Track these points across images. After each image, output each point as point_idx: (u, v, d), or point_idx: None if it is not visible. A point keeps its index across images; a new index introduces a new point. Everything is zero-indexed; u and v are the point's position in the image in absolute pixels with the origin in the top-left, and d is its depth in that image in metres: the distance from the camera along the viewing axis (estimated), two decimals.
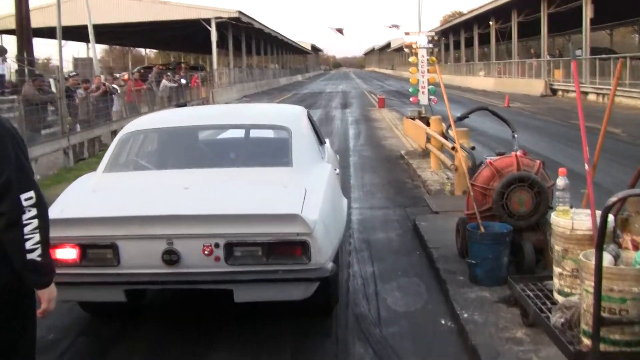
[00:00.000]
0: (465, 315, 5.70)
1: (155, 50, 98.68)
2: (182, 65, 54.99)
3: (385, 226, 9.43)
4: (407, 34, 16.93)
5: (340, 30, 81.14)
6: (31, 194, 3.30)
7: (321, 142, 8.55)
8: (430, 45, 16.34)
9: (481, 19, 57.61)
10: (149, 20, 49.66)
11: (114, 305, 5.85)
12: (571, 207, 5.14)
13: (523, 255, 6.40)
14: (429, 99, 16.76)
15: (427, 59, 16.48)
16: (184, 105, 33.68)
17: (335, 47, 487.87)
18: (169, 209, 5.39)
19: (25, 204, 3.28)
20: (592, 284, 3.95)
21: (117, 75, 37.27)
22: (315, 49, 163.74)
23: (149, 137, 7.20)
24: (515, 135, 7.75)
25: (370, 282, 7.09)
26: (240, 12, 50.43)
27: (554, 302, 4.84)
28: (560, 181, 5.06)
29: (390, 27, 21.95)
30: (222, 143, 7.43)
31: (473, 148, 11.14)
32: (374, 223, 9.63)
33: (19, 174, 3.28)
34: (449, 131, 8.90)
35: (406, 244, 8.44)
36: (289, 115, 7.70)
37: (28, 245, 3.30)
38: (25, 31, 25.54)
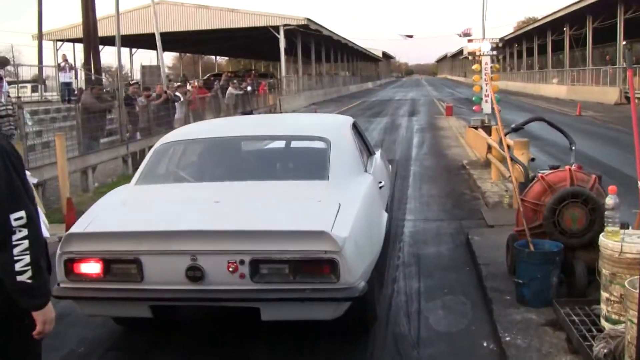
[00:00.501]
0: (508, 338, 5.37)
1: (226, 58, 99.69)
2: (251, 72, 55.40)
3: (437, 240, 9.11)
4: (470, 40, 16.52)
5: (410, 36, 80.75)
6: (22, 213, 3.15)
7: (370, 152, 8.31)
8: (494, 53, 15.88)
9: (555, 25, 56.49)
10: (217, 27, 50.17)
11: (146, 319, 5.67)
12: (627, 226, 4.78)
13: (575, 276, 6.03)
14: (493, 108, 16.29)
15: (491, 67, 16.05)
16: (250, 113, 33.78)
17: (407, 55, 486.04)
18: (193, 224, 5.26)
19: (14, 224, 3.13)
20: (637, 314, 3.61)
21: (189, 81, 37.32)
22: (387, 56, 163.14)
23: (186, 149, 7.08)
24: (573, 148, 7.34)
25: (414, 299, 6.79)
26: (308, 19, 50.44)
27: (600, 329, 4.49)
28: (610, 200, 4.72)
29: (460, 34, 21.52)
30: (259, 155, 7.27)
31: (533, 160, 10.75)
32: (426, 236, 9.31)
33: (9, 193, 3.14)
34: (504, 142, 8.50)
35: (456, 260, 8.11)
36: (330, 126, 7.50)
37: (18, 267, 3.14)
38: (92, 39, 25.99)
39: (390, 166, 10.34)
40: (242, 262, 4.93)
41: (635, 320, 3.62)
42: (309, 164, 6.84)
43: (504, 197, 11.17)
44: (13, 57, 74.46)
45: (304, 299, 4.98)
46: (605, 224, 4.80)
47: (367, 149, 8.33)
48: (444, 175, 14.85)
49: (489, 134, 13.66)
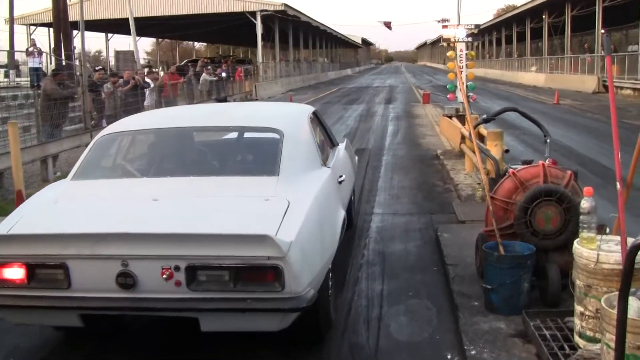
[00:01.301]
0: (473, 351, 4.88)
1: (204, 44, 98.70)
2: (230, 58, 54.63)
3: (405, 236, 8.61)
4: (444, 27, 15.93)
5: (388, 24, 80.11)
6: None
7: (332, 143, 7.83)
8: (469, 39, 15.38)
9: (534, 13, 56.12)
10: (194, 12, 49.30)
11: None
12: (604, 230, 4.31)
13: (548, 281, 5.56)
14: (468, 96, 15.80)
15: (466, 54, 15.54)
16: (224, 99, 33.19)
17: (387, 42, 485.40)
18: (123, 226, 4.76)
19: None
20: (614, 337, 3.12)
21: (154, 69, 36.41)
22: (367, 43, 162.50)
23: (129, 140, 6.51)
24: (548, 140, 6.87)
25: (375, 303, 6.29)
26: (286, 5, 49.73)
27: (574, 347, 4.02)
28: (585, 203, 4.23)
29: (439, 21, 20.91)
30: (207, 148, 6.68)
31: (507, 151, 10.29)
32: (394, 232, 8.81)
33: None
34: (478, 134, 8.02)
35: (424, 259, 7.62)
36: (285, 117, 6.93)
37: None
38: (62, 24, 25.28)
39: (356, 157, 9.84)
40: (177, 268, 4.45)
41: (613, 345, 3.14)
42: (258, 158, 6.34)
43: (476, 190, 10.69)
44: None
45: (246, 310, 4.52)
46: (580, 230, 4.31)
47: (329, 140, 7.85)
48: (417, 165, 14.35)
49: (463, 124, 13.15)
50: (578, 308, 4.11)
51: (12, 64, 35.96)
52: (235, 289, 4.47)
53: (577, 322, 4.14)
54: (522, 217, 5.69)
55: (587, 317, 4.02)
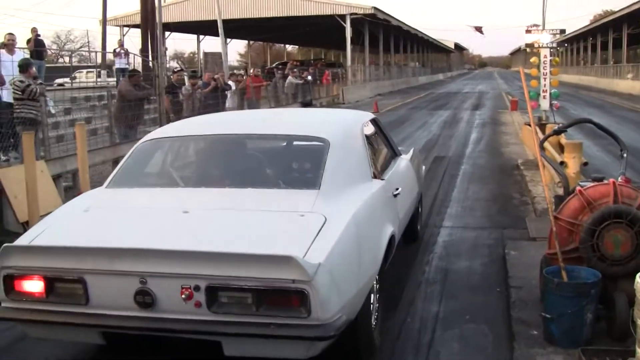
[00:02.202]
0: None
1: (296, 47, 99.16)
2: (319, 61, 54.61)
3: (472, 252, 8.13)
4: (528, 31, 15.29)
5: (479, 29, 78.84)
6: None
7: (395, 153, 7.43)
8: (554, 45, 14.69)
9: (632, 18, 54.17)
10: (284, 15, 49.45)
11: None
12: None
13: (615, 311, 5.04)
14: (551, 104, 15.14)
15: (550, 60, 14.86)
16: (310, 103, 33.17)
17: (481, 47, 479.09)
18: (143, 241, 4.52)
19: None
20: None
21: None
22: (459, 48, 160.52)
23: (169, 147, 6.25)
24: (624, 155, 6.32)
25: (428, 327, 5.86)
26: (375, 8, 49.36)
27: None
28: None
29: (529, 27, 20.20)
30: (247, 156, 6.32)
31: (585, 164, 9.67)
32: (461, 248, 8.34)
33: None
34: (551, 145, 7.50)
35: (488, 278, 7.14)
36: (335, 124, 6.51)
37: None
38: (150, 25, 25.58)
39: (423, 168, 9.39)
40: (197, 288, 4.22)
41: None
42: (300, 169, 5.97)
43: (550, 205, 10.06)
44: (88, 42, 75.85)
45: (268, 336, 4.19)
46: None
47: (391, 150, 7.44)
48: (496, 175, 13.78)
49: (545, 133, 12.53)
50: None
51: (104, 65, 36.79)
52: (258, 313, 4.20)
53: None
54: (588, 240, 5.18)
55: None
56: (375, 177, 5.98)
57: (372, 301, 5.09)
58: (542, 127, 13.90)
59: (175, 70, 18.79)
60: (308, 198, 5.00)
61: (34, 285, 4.52)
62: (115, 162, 13.64)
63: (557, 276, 5.13)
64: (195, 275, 4.20)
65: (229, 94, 22.10)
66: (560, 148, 11.37)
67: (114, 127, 14.26)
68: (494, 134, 21.86)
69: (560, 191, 8.79)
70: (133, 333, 4.67)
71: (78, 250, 4.48)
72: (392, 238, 5.68)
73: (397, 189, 6.39)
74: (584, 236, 5.20)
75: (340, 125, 6.44)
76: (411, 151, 8.40)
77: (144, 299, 4.28)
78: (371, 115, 7.38)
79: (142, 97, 15.15)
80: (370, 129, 6.86)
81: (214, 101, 19.92)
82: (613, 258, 5.16)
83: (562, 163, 9.07)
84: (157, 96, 16.30)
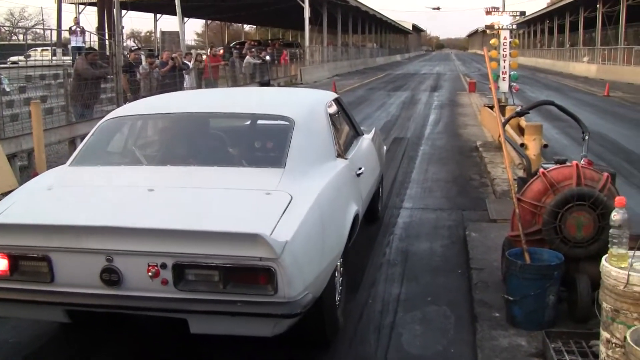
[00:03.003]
0: None
1: (254, 27, 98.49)
2: (277, 42, 54.26)
3: (432, 234, 8.11)
4: (488, 13, 15.30)
5: (437, 8, 79.19)
6: None
7: (357, 133, 7.40)
8: (514, 27, 14.72)
9: (588, 2, 54.69)
10: None
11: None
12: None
13: (577, 293, 5.04)
14: (510, 86, 15.19)
15: (510, 42, 14.88)
16: (268, 83, 32.93)
17: (438, 29, 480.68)
18: (110, 218, 4.44)
19: None
20: None
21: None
22: (417, 29, 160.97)
23: (132, 126, 6.14)
24: (586, 137, 6.33)
25: (390, 309, 5.82)
26: None
27: None
28: (617, 214, 3.71)
29: (489, 9, 20.17)
30: (212, 136, 6.26)
31: (545, 146, 9.72)
32: (421, 229, 8.31)
33: None
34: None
35: (449, 260, 7.11)
36: (299, 104, 6.51)
37: None
38: (106, 3, 25.22)
39: (385, 148, 9.38)
40: (163, 265, 4.15)
41: None
42: (265, 148, 5.98)
43: (512, 187, 10.10)
44: (42, 20, 74.44)
45: (235, 313, 4.19)
46: (609, 245, 3.79)
47: (353, 129, 7.41)
48: (455, 157, 13.79)
49: (505, 115, 12.56)
50: (604, 334, 3.61)
51: (60, 43, 36.16)
52: (225, 290, 4.14)
53: (603, 350, 3.63)
54: (551, 223, 5.17)
55: (614, 345, 3.52)
56: (339, 156, 5.97)
57: (336, 279, 5.09)
58: (501, 109, 13.92)
59: (132, 48, 18.45)
60: (273, 176, 4.98)
61: None
62: (72, 141, 13.43)
63: (520, 258, 5.11)
64: (162, 253, 4.14)
65: (186, 73, 21.83)
66: (520, 130, 11.42)
67: (70, 106, 13.98)
68: (452, 115, 21.91)
69: (521, 173, 8.83)
70: (99, 311, 4.60)
71: (43, 228, 4.39)
72: (356, 217, 5.66)
73: (360, 169, 6.38)
74: (547, 218, 5.18)
75: (305, 105, 6.43)
76: (372, 131, 8.40)
77: (110, 276, 4.20)
78: (334, 95, 7.34)
79: (99, 75, 14.87)
80: (333, 109, 6.82)
81: (171, 80, 19.69)
82: (575, 240, 5.15)
83: (522, 145, 9.10)
84: (114, 75, 16.01)
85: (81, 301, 4.40)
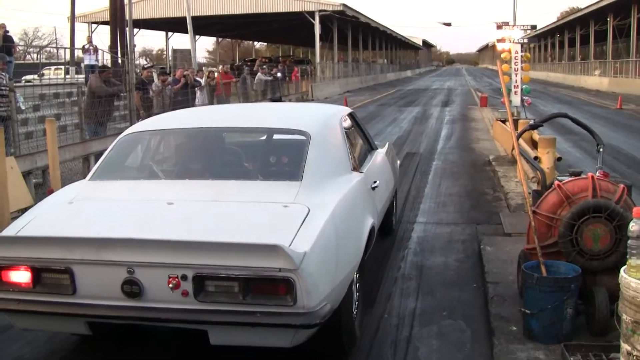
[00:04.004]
0: None
1: (265, 44, 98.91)
2: (288, 58, 54.42)
3: (447, 248, 8.08)
4: (499, 27, 15.32)
5: (448, 24, 79.28)
6: None
7: (371, 147, 7.49)
8: (525, 40, 14.72)
9: (598, 15, 54.72)
10: (252, 12, 49.26)
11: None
12: None
13: (595, 306, 5.01)
14: (522, 100, 15.17)
15: (521, 56, 14.88)
16: (279, 99, 33.02)
17: (449, 44, 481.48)
18: (130, 231, 4.54)
19: None
20: None
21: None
22: (427, 45, 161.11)
23: (151, 141, 6.29)
24: (601, 149, 6.32)
25: (406, 323, 5.81)
26: (344, 5, 49.26)
27: None
28: (635, 226, 3.68)
29: (499, 24, 20.08)
30: (230, 150, 6.38)
31: (559, 159, 9.69)
32: (435, 243, 8.29)
33: None
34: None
35: (464, 274, 7.09)
36: (315, 118, 6.58)
37: None
38: (119, 22, 25.35)
39: (398, 162, 9.50)
40: (184, 277, 4.23)
41: None
42: (282, 161, 6.10)
43: (527, 199, 10.07)
44: (56, 39, 75.07)
45: (255, 324, 4.25)
46: (628, 256, 3.77)
47: (367, 143, 7.53)
48: (468, 171, 13.77)
49: (517, 128, 12.53)
50: (625, 347, 3.58)
51: (73, 61, 36.35)
52: (245, 301, 4.21)
53: None
54: (567, 235, 5.15)
55: (635, 357, 3.49)
56: (354, 169, 6.06)
57: (353, 291, 5.13)
58: (514, 123, 13.90)
59: (144, 66, 18.53)
60: (291, 190, 5.08)
61: (20, 276, 4.51)
62: (85, 158, 13.48)
63: (537, 271, 5.09)
64: (182, 264, 4.21)
65: (198, 90, 21.91)
66: (533, 144, 11.40)
67: (84, 123, 14.03)
68: (464, 130, 21.90)
69: (534, 186, 8.81)
70: (120, 322, 4.71)
71: (65, 241, 4.47)
72: (372, 229, 5.75)
73: (375, 182, 6.48)
74: (563, 231, 5.16)
75: (320, 119, 6.53)
76: (386, 145, 8.54)
77: (132, 288, 4.28)
78: (349, 110, 7.43)
79: (112, 93, 14.95)
80: (348, 123, 6.92)
81: (183, 97, 19.75)
82: (592, 252, 5.13)
83: (536, 158, 9.06)
84: (127, 92, 16.09)
85: (103, 313, 4.47)
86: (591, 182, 5.23)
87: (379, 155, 7.65)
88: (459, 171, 13.85)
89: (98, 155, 14.14)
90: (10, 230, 4.89)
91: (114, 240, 4.38)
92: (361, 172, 6.20)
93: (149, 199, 5.26)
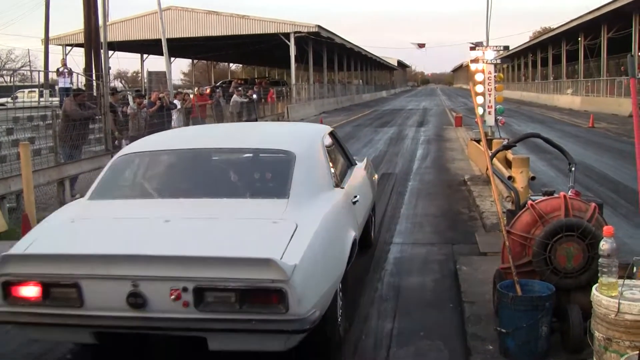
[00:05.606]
0: None
1: (240, 65, 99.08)
2: (263, 80, 54.52)
3: (423, 269, 8.13)
4: (472, 48, 15.50)
5: (421, 45, 79.92)
6: None
7: (350, 163, 7.80)
8: (498, 61, 14.89)
9: (570, 35, 55.49)
10: (227, 34, 49.50)
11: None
12: (632, 269, 3.84)
13: (569, 324, 5.07)
14: (496, 120, 15.32)
15: (495, 76, 15.05)
16: (255, 121, 33.02)
17: (424, 64, 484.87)
18: (134, 247, 4.91)
19: None
20: None
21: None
22: (402, 65, 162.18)
23: (144, 161, 6.57)
24: (573, 169, 6.40)
25: (383, 344, 5.85)
26: (319, 27, 49.58)
27: None
28: (605, 244, 3.75)
29: (472, 45, 20.20)
30: (219, 169, 6.67)
31: (533, 179, 9.79)
32: (412, 264, 8.34)
33: None
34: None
35: (441, 294, 7.14)
36: (298, 138, 7.03)
37: None
38: (93, 44, 25.27)
39: (376, 176, 10.00)
40: (185, 289, 4.59)
41: None
42: (270, 180, 6.40)
43: (502, 220, 10.16)
44: (29, 61, 74.72)
45: (251, 330, 4.62)
46: (599, 274, 3.84)
47: (347, 159, 7.95)
48: (444, 191, 13.87)
49: (492, 148, 12.65)
50: None
51: (47, 84, 36.23)
52: (241, 310, 4.57)
53: None
54: (541, 254, 5.23)
55: None
56: (336, 185, 6.47)
57: (338, 298, 5.48)
58: (488, 142, 14.03)
59: (112, 92, 18.41)
60: (279, 207, 5.45)
61: (30, 291, 4.79)
62: (61, 182, 13.41)
63: (511, 290, 5.15)
64: (183, 277, 4.55)
65: (174, 113, 21.92)
66: (507, 163, 11.51)
67: (59, 147, 13.97)
68: (439, 150, 22.04)
69: (509, 206, 8.86)
70: (126, 332, 5.00)
71: (73, 257, 4.78)
72: (354, 242, 6.10)
73: (355, 197, 6.84)
74: (537, 250, 5.24)
75: (304, 139, 6.93)
76: (364, 160, 8.97)
77: (136, 300, 4.59)
78: (330, 128, 7.78)
79: (87, 116, 14.92)
80: (329, 141, 7.29)
81: (159, 120, 19.73)
82: (565, 271, 5.21)
83: (510, 178, 9.17)
84: (102, 115, 16.06)
85: (109, 323, 4.77)
86: (563, 202, 5.31)
87: (358, 170, 8.03)
88: (435, 191, 13.94)
89: (74, 179, 14.15)
90: (18, 249, 5.11)
91: (120, 256, 4.70)
92: (342, 188, 6.55)
93: (146, 217, 5.51)
